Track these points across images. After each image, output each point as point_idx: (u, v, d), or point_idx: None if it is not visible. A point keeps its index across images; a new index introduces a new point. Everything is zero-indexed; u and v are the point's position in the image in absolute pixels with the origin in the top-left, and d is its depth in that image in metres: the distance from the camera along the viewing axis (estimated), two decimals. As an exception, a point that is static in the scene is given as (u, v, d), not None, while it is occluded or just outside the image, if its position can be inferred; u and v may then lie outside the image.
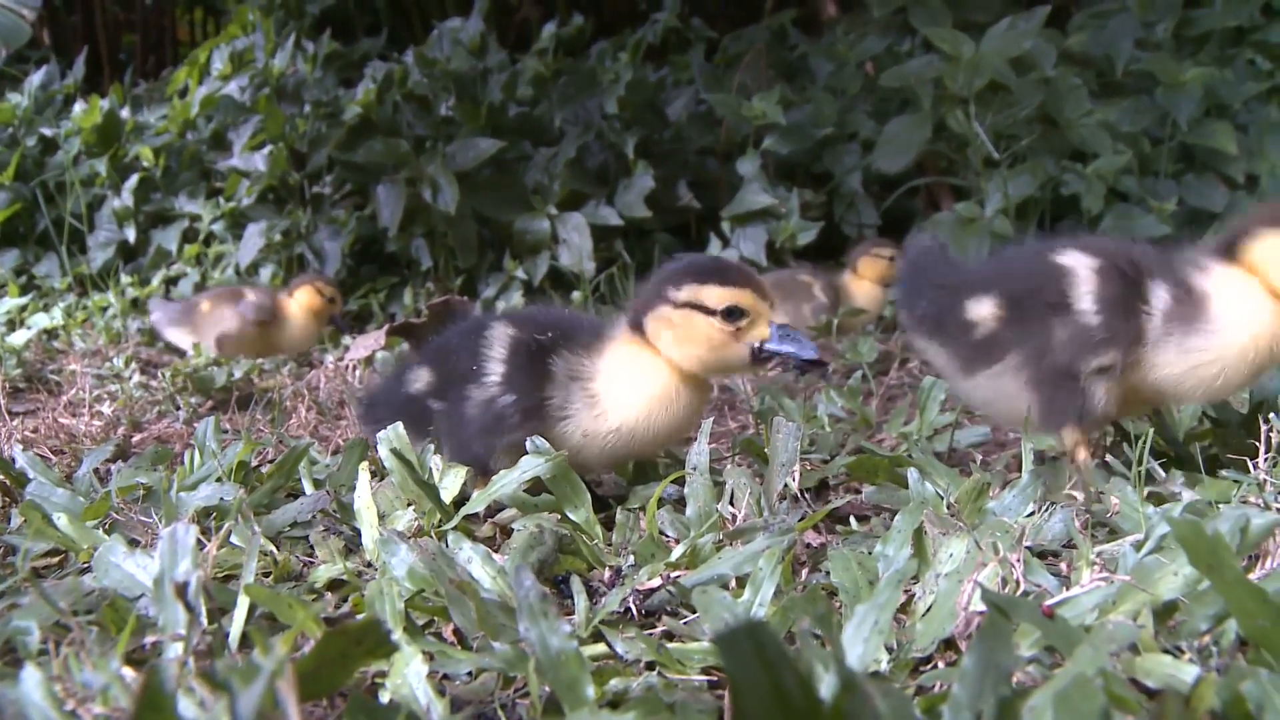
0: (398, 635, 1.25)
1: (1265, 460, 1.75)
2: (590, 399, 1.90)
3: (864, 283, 4.24)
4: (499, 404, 1.90)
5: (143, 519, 1.89)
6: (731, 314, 1.83)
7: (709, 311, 1.83)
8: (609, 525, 1.78)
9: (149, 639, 1.35)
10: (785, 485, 1.80)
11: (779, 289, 3.86)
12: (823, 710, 0.72)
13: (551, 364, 1.91)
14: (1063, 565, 1.56)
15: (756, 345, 1.85)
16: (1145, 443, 1.79)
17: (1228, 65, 4.89)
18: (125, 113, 6.04)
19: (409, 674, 1.18)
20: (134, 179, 5.62)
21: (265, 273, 5.16)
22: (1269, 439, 1.77)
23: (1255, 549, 1.42)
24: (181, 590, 1.22)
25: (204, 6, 8.93)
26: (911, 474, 1.81)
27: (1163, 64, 4.70)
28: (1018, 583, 1.36)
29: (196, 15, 9.06)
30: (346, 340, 4.35)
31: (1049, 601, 1.27)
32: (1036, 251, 2.05)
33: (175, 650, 1.23)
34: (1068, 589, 1.34)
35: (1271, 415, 1.87)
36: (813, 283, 3.84)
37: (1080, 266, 1.93)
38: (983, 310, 2.01)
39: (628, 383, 1.90)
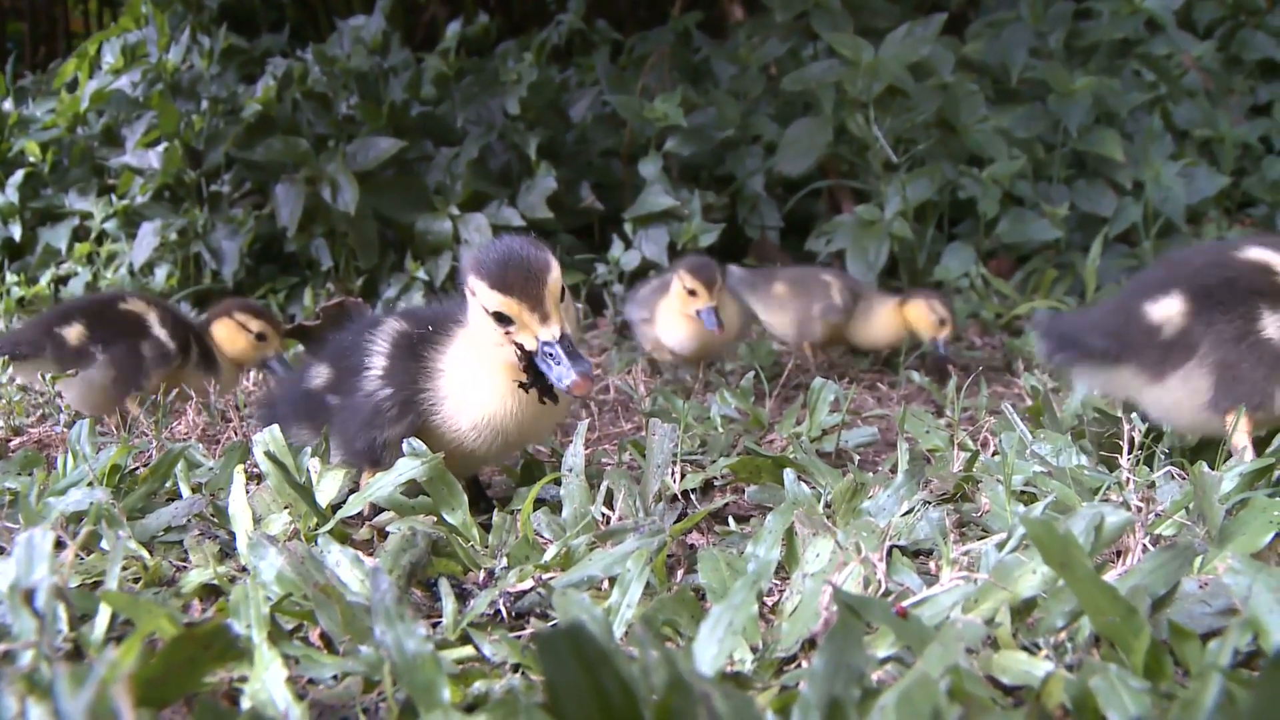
0: (261, 639, 1.23)
1: (1128, 459, 1.80)
2: (444, 392, 1.87)
3: (904, 318, 3.76)
4: (376, 397, 1.88)
5: (9, 525, 1.83)
6: (500, 318, 1.72)
7: (484, 310, 1.74)
8: (490, 527, 1.77)
9: (2, 647, 1.31)
10: (664, 486, 1.80)
11: (797, 283, 3.85)
12: (643, 712, 0.72)
13: (426, 357, 1.88)
14: (933, 565, 1.59)
15: (519, 353, 1.73)
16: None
17: (1115, 75, 5.05)
18: (8, 105, 5.85)
19: (268, 679, 1.16)
20: (19, 174, 5.45)
21: (160, 273, 5.04)
22: (1132, 438, 1.82)
23: (1111, 546, 1.46)
24: (29, 597, 1.19)
25: (98, -4, 8.70)
26: (787, 474, 1.83)
27: (1055, 73, 4.83)
28: (880, 582, 1.38)
29: (91, 6, 8.81)
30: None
31: (909, 601, 1.29)
32: (1215, 249, 2.10)
33: (27, 659, 1.20)
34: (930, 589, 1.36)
35: (1134, 415, 1.92)
36: (833, 284, 3.81)
37: None
38: (1166, 310, 2.03)
39: (468, 375, 1.85)
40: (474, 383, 1.83)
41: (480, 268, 1.73)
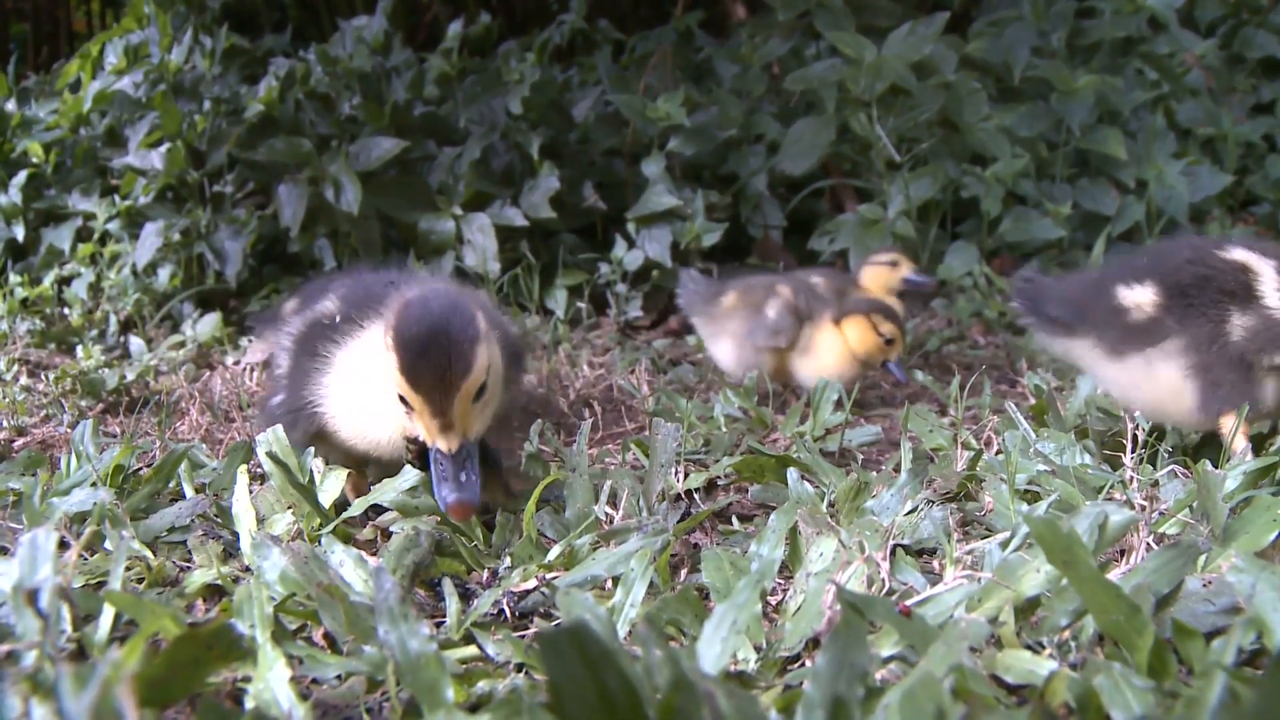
0: (264, 639, 1.23)
1: (1132, 457, 1.80)
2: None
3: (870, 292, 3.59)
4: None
5: (12, 525, 1.83)
6: (403, 399, 1.61)
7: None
8: (493, 526, 1.77)
9: (5, 647, 1.31)
10: (668, 485, 1.80)
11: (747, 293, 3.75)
12: (646, 711, 0.72)
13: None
14: (936, 564, 1.59)
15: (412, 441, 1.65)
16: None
17: (1118, 74, 5.05)
18: (11, 105, 5.85)
19: (271, 679, 1.17)
20: (22, 175, 5.45)
21: (163, 273, 5.03)
22: (1135, 436, 1.82)
23: (1115, 545, 1.46)
24: (32, 597, 1.19)
25: (101, -2, 8.70)
26: (791, 473, 1.83)
27: (1057, 71, 4.83)
28: (883, 581, 1.38)
29: (94, 7, 8.81)
30: (244, 342, 4.27)
31: (912, 600, 1.29)
32: (1198, 246, 2.12)
33: (31, 659, 1.20)
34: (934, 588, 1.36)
35: (1136, 413, 1.92)
36: (820, 283, 3.77)
37: (1261, 263, 2.01)
38: (1139, 297, 2.06)
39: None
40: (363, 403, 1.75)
41: (398, 339, 1.57)
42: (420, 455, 1.66)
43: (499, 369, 1.67)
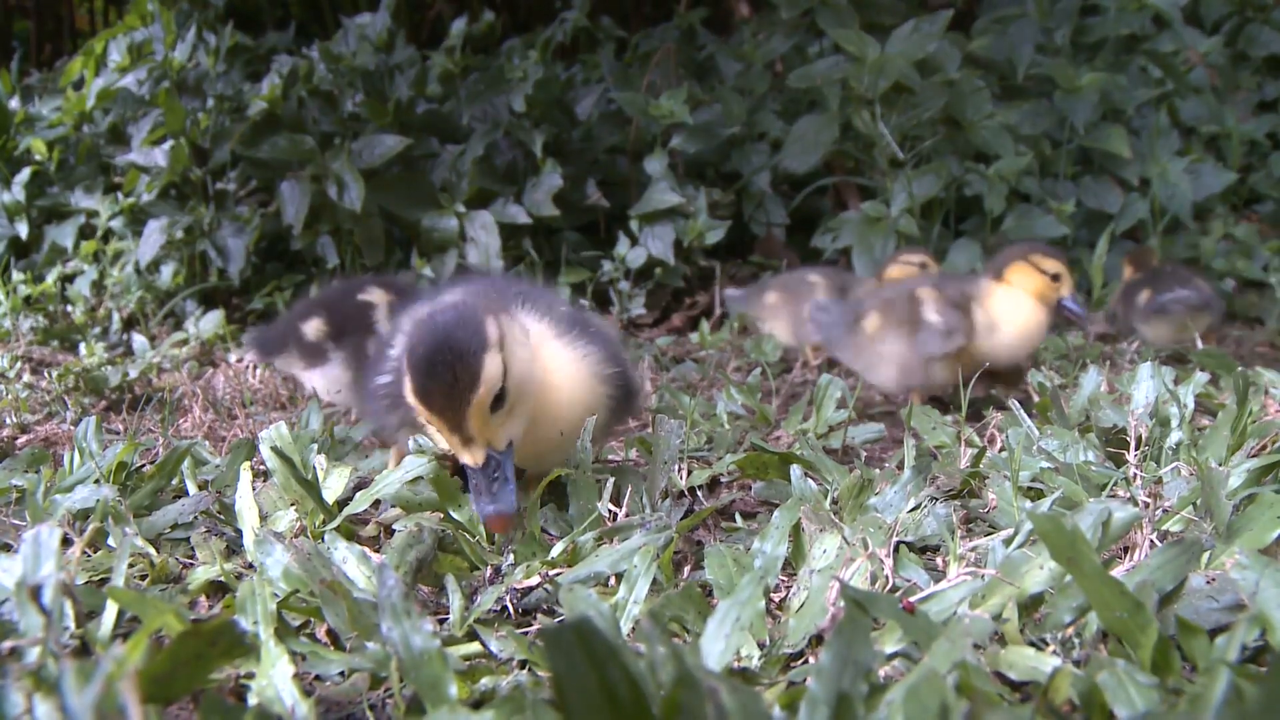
0: (267, 636, 1.23)
1: (1135, 454, 1.79)
2: None
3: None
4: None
5: (15, 522, 1.84)
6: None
7: None
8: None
9: (9, 644, 1.31)
10: (671, 483, 1.80)
11: (786, 290, 3.80)
12: (650, 707, 0.72)
13: None
14: (940, 561, 1.58)
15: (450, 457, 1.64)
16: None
17: (1121, 71, 5.04)
18: (15, 103, 5.86)
19: (274, 675, 1.16)
20: (25, 172, 5.46)
21: (166, 270, 5.04)
22: (1139, 434, 1.82)
23: (1119, 542, 1.46)
24: (35, 593, 1.19)
25: (104, -6, 8.70)
26: (794, 471, 1.83)
27: (1061, 69, 4.82)
28: (887, 578, 1.38)
29: (96, 4, 8.81)
30: (246, 339, 4.27)
31: (916, 597, 1.29)
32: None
33: (34, 655, 1.20)
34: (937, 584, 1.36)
35: (1139, 410, 1.92)
36: (818, 283, 3.75)
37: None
38: None
39: None
40: None
41: (408, 360, 1.57)
42: (457, 470, 1.66)
43: (522, 374, 1.62)
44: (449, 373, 1.51)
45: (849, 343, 3.10)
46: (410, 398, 1.57)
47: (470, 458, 1.56)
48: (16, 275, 5.27)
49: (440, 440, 1.68)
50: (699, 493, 2.05)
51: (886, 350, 2.97)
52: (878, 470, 1.99)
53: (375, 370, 1.90)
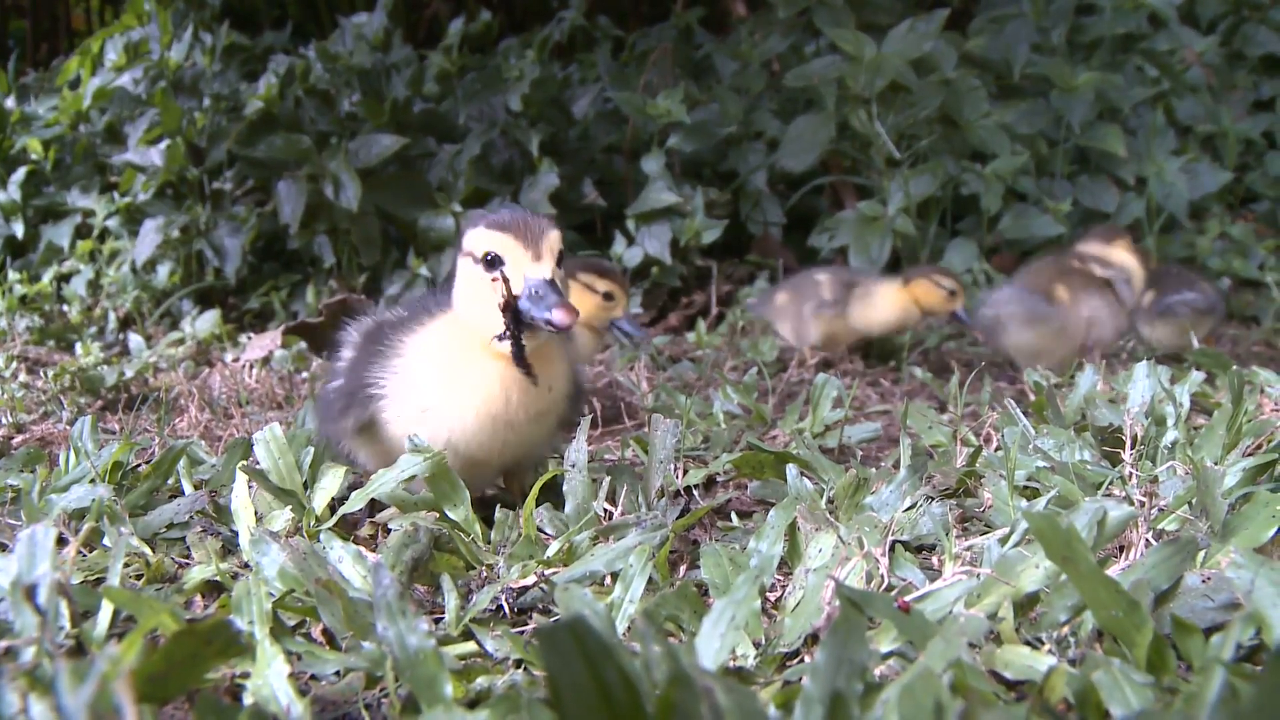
0: (263, 636, 1.23)
1: (1131, 453, 1.79)
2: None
3: (905, 298, 3.73)
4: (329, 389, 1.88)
5: (11, 522, 1.83)
6: (490, 263, 1.69)
7: (474, 259, 1.71)
8: (492, 523, 1.77)
9: (4, 643, 1.31)
10: (667, 482, 1.80)
11: (794, 290, 3.85)
12: (645, 706, 0.72)
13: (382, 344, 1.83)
14: (935, 560, 1.58)
15: (504, 296, 1.67)
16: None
17: (1117, 71, 5.05)
18: (10, 102, 5.85)
19: (270, 675, 1.16)
20: (21, 172, 5.46)
21: (163, 270, 5.04)
22: (1134, 433, 1.82)
23: (1114, 541, 1.46)
24: (30, 593, 1.19)
25: (100, -7, 8.69)
26: (790, 470, 1.83)
27: (1057, 68, 4.83)
28: (882, 577, 1.38)
29: (93, 3, 8.80)
30: (244, 339, 4.27)
31: (911, 596, 1.29)
32: None
33: (29, 655, 1.20)
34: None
35: (1134, 409, 1.92)
36: (822, 281, 3.78)
37: None
38: None
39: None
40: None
41: (480, 218, 1.72)
42: (514, 319, 1.66)
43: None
44: (527, 213, 1.71)
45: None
46: (486, 236, 1.68)
47: (538, 271, 1.65)
48: (12, 275, 5.27)
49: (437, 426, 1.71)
50: (695, 492, 2.05)
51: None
52: (873, 469, 1.99)
53: (327, 379, 1.93)
